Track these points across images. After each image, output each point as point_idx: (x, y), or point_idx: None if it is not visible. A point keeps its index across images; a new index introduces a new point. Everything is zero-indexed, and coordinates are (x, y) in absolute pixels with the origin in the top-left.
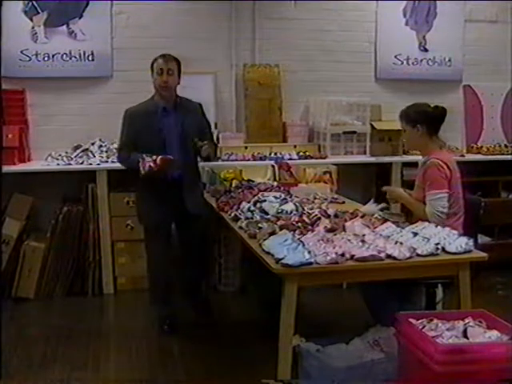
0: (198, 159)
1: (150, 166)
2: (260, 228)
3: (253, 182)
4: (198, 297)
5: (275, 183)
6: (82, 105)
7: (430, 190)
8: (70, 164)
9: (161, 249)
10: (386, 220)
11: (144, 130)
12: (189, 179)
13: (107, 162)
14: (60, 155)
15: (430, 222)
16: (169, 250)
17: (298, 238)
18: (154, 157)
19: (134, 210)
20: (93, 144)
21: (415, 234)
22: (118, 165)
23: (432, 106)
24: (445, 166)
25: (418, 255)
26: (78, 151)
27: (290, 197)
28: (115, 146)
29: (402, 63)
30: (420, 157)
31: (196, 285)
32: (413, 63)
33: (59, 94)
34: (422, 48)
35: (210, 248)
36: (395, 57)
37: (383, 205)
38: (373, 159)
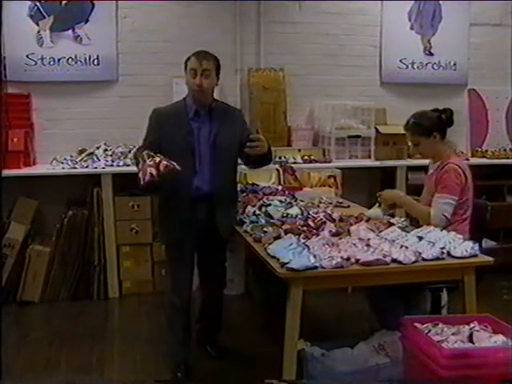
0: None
1: (151, 173)
2: (265, 232)
3: (257, 185)
4: (215, 339)
5: (280, 187)
6: (88, 109)
7: (441, 193)
8: (74, 168)
9: (183, 276)
10: (390, 224)
11: (171, 134)
12: (222, 198)
13: (112, 165)
14: (65, 159)
15: (431, 224)
16: (191, 279)
17: (303, 242)
18: (157, 159)
19: (138, 214)
20: (98, 148)
21: (420, 238)
22: (123, 168)
23: (439, 109)
24: (461, 173)
25: (423, 259)
26: (83, 155)
27: (295, 201)
28: (120, 149)
29: (407, 67)
30: (425, 161)
31: (215, 324)
32: (418, 67)
33: (64, 98)
34: (427, 52)
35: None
36: (400, 61)
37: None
38: (377, 163)
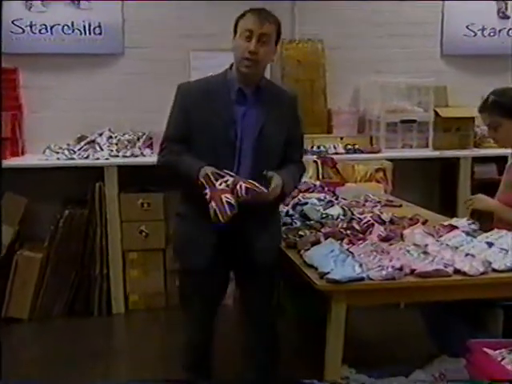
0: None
1: (229, 204)
2: (301, 236)
3: None
4: None
5: (318, 182)
6: (88, 88)
7: None
8: (72, 159)
9: (207, 311)
10: (453, 227)
11: (205, 119)
12: (265, 210)
13: (117, 156)
14: (61, 148)
15: None
16: (215, 311)
17: (347, 249)
18: (229, 179)
19: (148, 214)
20: (100, 135)
21: (490, 245)
22: (130, 160)
23: None
24: None
25: (493, 270)
26: (82, 143)
27: (336, 199)
28: (127, 137)
29: (476, 35)
30: (497, 150)
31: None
32: (489, 34)
33: (59, 75)
34: (501, 15)
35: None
36: (467, 27)
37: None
38: (436, 153)
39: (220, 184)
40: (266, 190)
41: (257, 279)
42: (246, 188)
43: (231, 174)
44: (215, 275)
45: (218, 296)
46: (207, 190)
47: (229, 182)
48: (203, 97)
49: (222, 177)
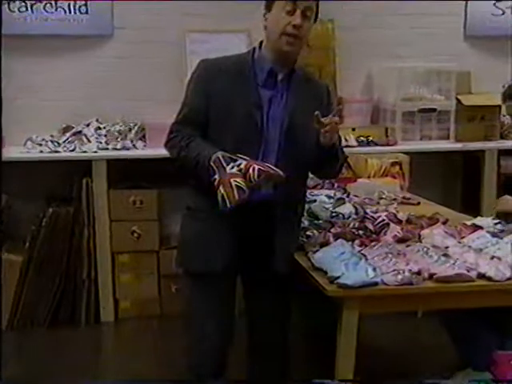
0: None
1: (239, 188)
2: (308, 237)
3: None
4: None
5: None
6: (73, 73)
7: None
8: (56, 151)
9: (216, 318)
10: (477, 227)
11: (227, 101)
12: (288, 209)
13: (107, 148)
14: (44, 140)
15: None
16: (229, 323)
17: (359, 251)
18: (242, 162)
19: (141, 213)
20: (88, 125)
21: None
22: (121, 153)
23: None
24: None
25: None
26: (67, 135)
27: (348, 196)
28: (118, 127)
29: (503, 13)
30: None
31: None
32: None
33: (41, 58)
34: None
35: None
36: (494, 4)
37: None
38: (459, 146)
39: (231, 168)
40: (281, 173)
41: (274, 291)
42: (259, 170)
43: (246, 158)
44: (231, 280)
45: (233, 304)
46: (216, 176)
47: (241, 166)
48: (227, 77)
49: (235, 161)
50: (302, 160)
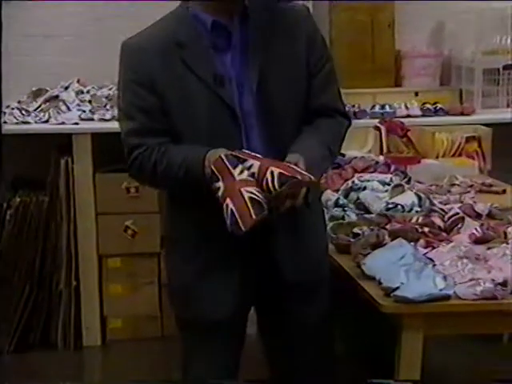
0: None
1: (255, 202)
2: (356, 235)
3: (343, 156)
4: None
5: (381, 158)
6: (48, 19)
7: None
8: (26, 122)
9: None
10: None
11: (181, 81)
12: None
13: (92, 119)
14: (8, 107)
15: None
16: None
17: (425, 254)
18: (254, 163)
19: (137, 204)
20: (66, 88)
21: None
22: (110, 125)
23: None
24: None
25: None
26: (39, 101)
27: (408, 182)
28: (106, 91)
29: None
30: None
31: None
32: None
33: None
34: None
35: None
36: None
37: None
38: None
39: (241, 172)
40: (311, 177)
41: (309, 318)
42: (280, 175)
43: (255, 155)
44: (239, 324)
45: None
46: (220, 183)
47: (254, 170)
48: (166, 53)
49: (243, 161)
50: (291, 127)
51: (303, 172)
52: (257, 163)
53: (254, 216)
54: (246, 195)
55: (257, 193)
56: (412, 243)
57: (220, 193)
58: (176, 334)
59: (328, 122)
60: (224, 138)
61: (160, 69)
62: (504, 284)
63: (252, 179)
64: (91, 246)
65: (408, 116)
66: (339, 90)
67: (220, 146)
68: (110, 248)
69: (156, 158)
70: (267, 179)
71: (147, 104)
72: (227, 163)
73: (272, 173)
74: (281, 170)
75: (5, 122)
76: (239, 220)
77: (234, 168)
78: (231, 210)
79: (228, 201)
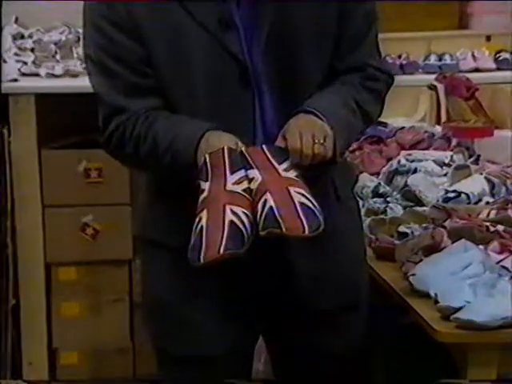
0: None
1: (234, 235)
2: (403, 236)
3: (385, 125)
4: None
5: (438, 128)
6: None
7: None
8: None
9: None
10: None
11: (177, 28)
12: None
13: (37, 74)
14: None
15: None
16: None
17: (499, 262)
18: (257, 177)
19: (99, 192)
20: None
21: None
22: (62, 83)
23: None
24: None
25: None
26: None
27: (477, 161)
28: (56, 37)
29: None
30: None
31: None
32: None
33: None
34: None
35: None
36: None
37: None
38: None
39: (237, 182)
40: (320, 219)
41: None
42: (272, 211)
43: (270, 163)
44: (241, 360)
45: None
46: (206, 185)
47: (253, 186)
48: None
49: (248, 167)
50: (313, 88)
51: (315, 205)
52: (260, 178)
53: (221, 251)
54: (228, 218)
55: (244, 218)
56: (481, 247)
57: (201, 199)
58: (153, 372)
59: (360, 75)
60: (230, 105)
61: (147, 9)
62: None
63: (246, 196)
64: (36, 250)
65: (476, 70)
66: (377, 36)
67: (224, 115)
68: (62, 254)
69: (140, 132)
70: (257, 209)
71: (126, 52)
72: (227, 162)
73: (264, 204)
74: (274, 204)
75: None
76: (203, 247)
77: (232, 173)
78: (201, 227)
79: (203, 214)
